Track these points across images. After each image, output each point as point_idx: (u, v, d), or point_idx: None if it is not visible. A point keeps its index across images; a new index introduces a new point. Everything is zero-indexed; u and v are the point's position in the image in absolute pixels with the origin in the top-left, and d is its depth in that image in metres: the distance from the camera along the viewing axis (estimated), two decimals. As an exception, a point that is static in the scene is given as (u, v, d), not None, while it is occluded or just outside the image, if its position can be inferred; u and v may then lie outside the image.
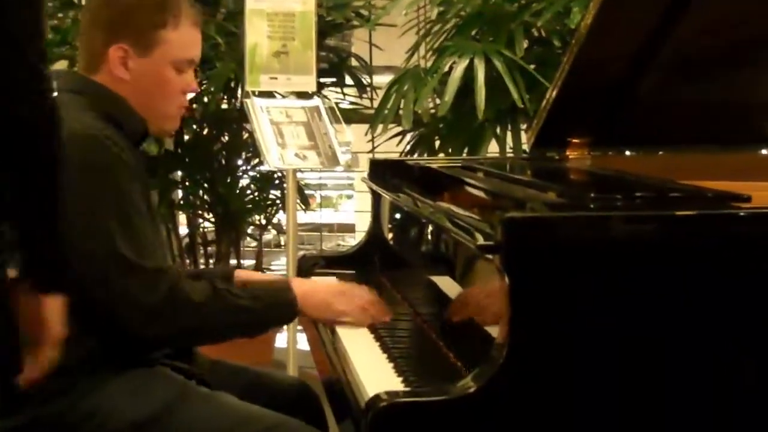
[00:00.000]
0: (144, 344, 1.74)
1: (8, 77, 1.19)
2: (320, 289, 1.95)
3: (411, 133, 3.79)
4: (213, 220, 4.43)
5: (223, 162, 4.38)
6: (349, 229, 6.62)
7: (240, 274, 2.08)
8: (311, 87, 3.48)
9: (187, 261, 4.38)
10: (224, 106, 4.23)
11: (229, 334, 1.80)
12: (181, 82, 1.86)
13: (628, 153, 2.36)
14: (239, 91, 3.87)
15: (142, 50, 1.81)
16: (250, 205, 4.44)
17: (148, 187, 1.85)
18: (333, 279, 2.20)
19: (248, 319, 1.79)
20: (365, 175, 2.48)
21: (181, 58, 1.85)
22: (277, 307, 1.83)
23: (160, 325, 1.69)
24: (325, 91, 4.20)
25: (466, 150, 3.52)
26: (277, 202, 4.48)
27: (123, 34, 1.81)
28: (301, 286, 1.88)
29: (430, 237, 2.01)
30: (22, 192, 1.24)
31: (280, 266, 5.36)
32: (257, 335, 1.83)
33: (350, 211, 7.19)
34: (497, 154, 3.48)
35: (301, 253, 3.03)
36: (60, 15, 4.02)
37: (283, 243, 5.32)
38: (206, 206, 4.42)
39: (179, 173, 4.30)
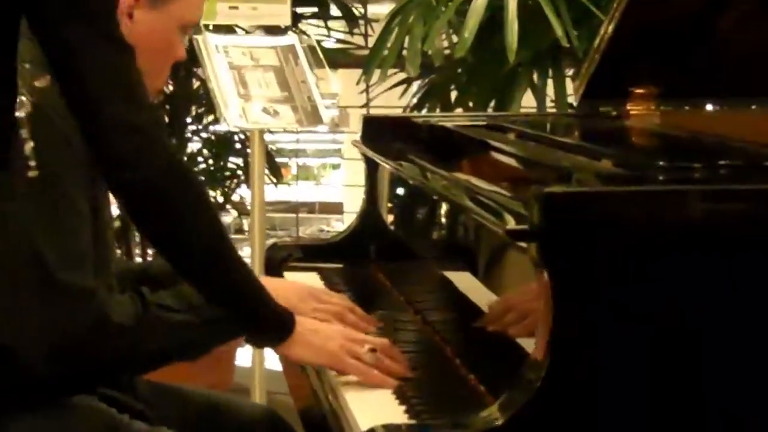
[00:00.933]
0: (50, 386, 1.70)
1: None
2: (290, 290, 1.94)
3: (418, 82, 3.79)
4: (153, 196, 4.43)
5: (167, 119, 4.38)
6: (336, 209, 6.64)
7: None
8: (285, 19, 3.47)
9: (119, 251, 4.39)
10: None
11: (160, 362, 1.77)
12: (177, 49, 1.90)
13: (709, 108, 2.36)
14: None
15: (155, 1, 1.84)
16: (203, 177, 4.44)
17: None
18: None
19: (186, 338, 1.75)
20: (357, 137, 2.49)
21: (191, 21, 1.91)
22: (219, 320, 1.76)
23: (73, 363, 1.66)
24: (303, 26, 4.19)
25: (492, 103, 3.52)
26: (239, 173, 4.49)
27: None
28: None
29: (443, 220, 2.01)
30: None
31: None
32: (197, 358, 1.81)
33: (337, 185, 7.21)
34: (534, 109, 3.48)
35: (271, 241, 3.03)
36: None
37: (246, 227, 5.32)
38: (144, 178, 4.41)
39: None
